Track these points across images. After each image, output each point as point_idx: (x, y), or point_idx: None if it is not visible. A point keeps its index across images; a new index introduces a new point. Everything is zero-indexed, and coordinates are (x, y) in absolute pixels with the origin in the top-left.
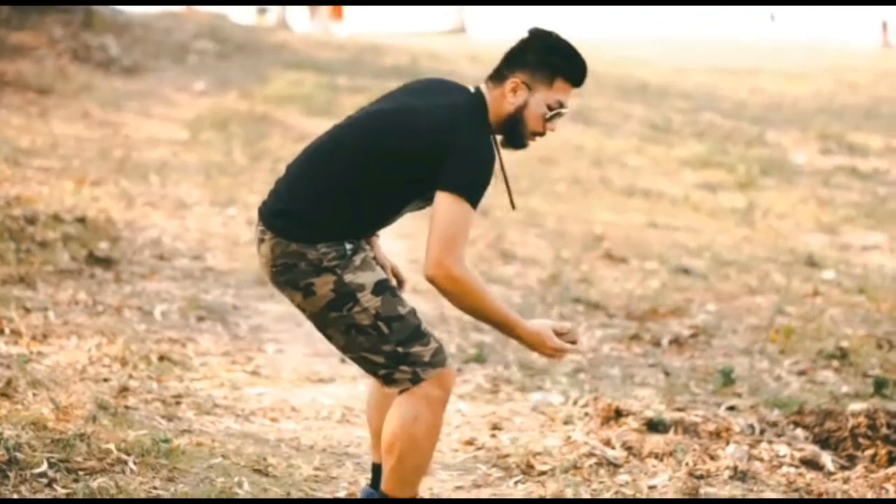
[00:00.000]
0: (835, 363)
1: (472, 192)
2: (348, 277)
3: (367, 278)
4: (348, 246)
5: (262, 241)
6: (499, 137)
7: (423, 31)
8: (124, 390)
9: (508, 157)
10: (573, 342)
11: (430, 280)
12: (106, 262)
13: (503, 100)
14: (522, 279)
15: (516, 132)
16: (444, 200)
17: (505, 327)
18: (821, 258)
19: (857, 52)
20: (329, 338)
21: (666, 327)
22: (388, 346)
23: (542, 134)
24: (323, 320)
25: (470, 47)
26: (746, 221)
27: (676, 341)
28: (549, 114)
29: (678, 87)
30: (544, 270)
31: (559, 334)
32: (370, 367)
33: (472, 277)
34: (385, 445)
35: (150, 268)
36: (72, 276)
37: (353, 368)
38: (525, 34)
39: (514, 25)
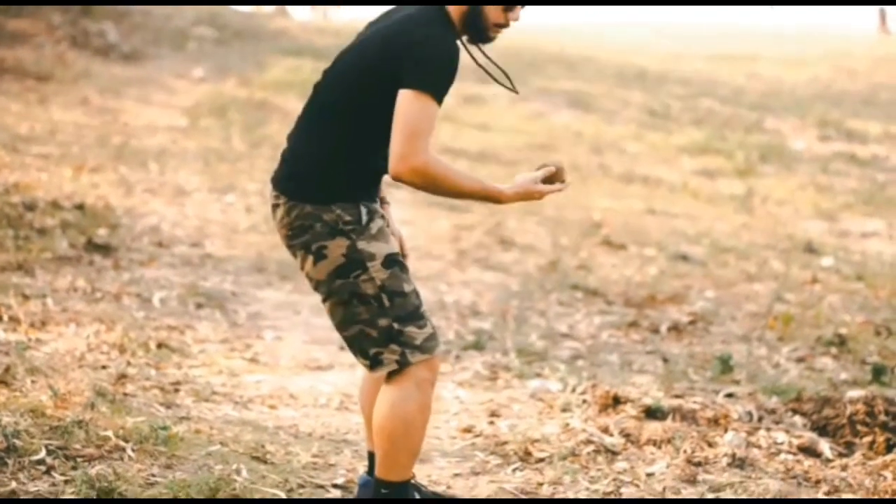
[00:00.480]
0: (833, 350)
1: (431, 86)
2: (361, 244)
3: (380, 249)
4: (363, 210)
5: (276, 206)
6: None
7: None
8: (123, 377)
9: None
10: (562, 181)
11: (398, 177)
12: (105, 249)
13: None
14: (521, 266)
15: (478, 25)
16: (404, 98)
17: (488, 199)
18: (819, 245)
19: (855, 38)
20: (329, 311)
21: (664, 314)
22: (384, 321)
23: (505, 25)
24: (328, 287)
25: None
26: (745, 208)
27: (675, 328)
28: (511, 6)
29: (676, 73)
30: (543, 257)
31: (547, 180)
32: (361, 345)
33: (436, 162)
34: (376, 430)
35: (149, 255)
36: (70, 262)
37: (352, 356)
38: None
39: None
